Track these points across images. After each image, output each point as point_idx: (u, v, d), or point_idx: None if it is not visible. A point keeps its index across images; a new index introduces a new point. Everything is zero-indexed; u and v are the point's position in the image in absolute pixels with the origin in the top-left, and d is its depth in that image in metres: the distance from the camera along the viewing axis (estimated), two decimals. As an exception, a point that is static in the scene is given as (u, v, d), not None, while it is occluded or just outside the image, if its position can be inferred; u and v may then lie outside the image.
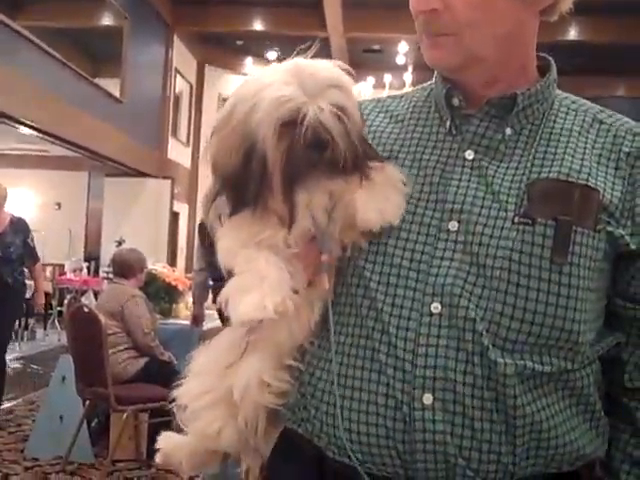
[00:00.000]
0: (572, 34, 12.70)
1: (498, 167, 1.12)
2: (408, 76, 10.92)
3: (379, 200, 1.09)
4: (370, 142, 1.20)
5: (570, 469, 1.10)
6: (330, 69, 1.09)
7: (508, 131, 1.14)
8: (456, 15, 1.08)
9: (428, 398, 1.03)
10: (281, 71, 1.08)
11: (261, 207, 1.08)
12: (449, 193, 1.11)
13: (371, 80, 11.00)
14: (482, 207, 1.09)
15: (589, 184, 1.08)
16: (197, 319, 5.81)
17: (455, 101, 1.16)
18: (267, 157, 1.05)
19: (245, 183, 1.07)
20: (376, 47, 14.32)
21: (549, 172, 1.09)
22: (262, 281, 1.05)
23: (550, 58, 1.22)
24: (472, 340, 1.04)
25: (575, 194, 1.07)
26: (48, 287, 11.30)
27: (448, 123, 1.17)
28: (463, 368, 1.04)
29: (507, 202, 1.08)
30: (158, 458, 1.27)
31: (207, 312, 5.96)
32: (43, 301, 6.82)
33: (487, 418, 1.03)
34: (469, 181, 1.12)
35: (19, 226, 5.96)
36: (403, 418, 1.04)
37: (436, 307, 1.06)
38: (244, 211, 1.09)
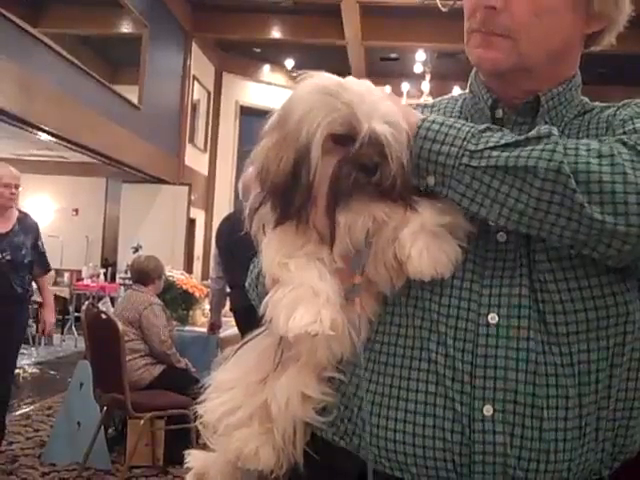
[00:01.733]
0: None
1: None
2: (425, 85, 10.92)
3: (436, 251, 1.04)
4: None
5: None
6: (378, 90, 1.07)
7: None
8: (515, 17, 1.08)
9: (488, 409, 1.03)
10: (340, 81, 1.05)
11: (304, 221, 1.05)
12: None
13: (388, 89, 11.00)
14: None
15: None
16: (214, 326, 5.82)
17: (499, 112, 1.16)
18: (313, 167, 1.01)
19: (292, 194, 1.03)
20: (393, 55, 14.32)
21: None
22: (317, 295, 1.02)
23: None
24: (534, 349, 1.04)
25: None
26: (65, 293, 11.38)
27: None
28: (524, 378, 1.03)
29: None
30: (190, 478, 1.22)
31: (224, 319, 5.97)
32: (54, 320, 5.54)
33: (546, 428, 1.03)
34: None
35: (28, 225, 4.99)
36: (461, 430, 1.04)
37: (493, 317, 1.05)
38: (287, 223, 1.06)
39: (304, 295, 1.02)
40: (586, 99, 1.22)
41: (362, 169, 1.01)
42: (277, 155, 1.05)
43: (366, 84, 1.06)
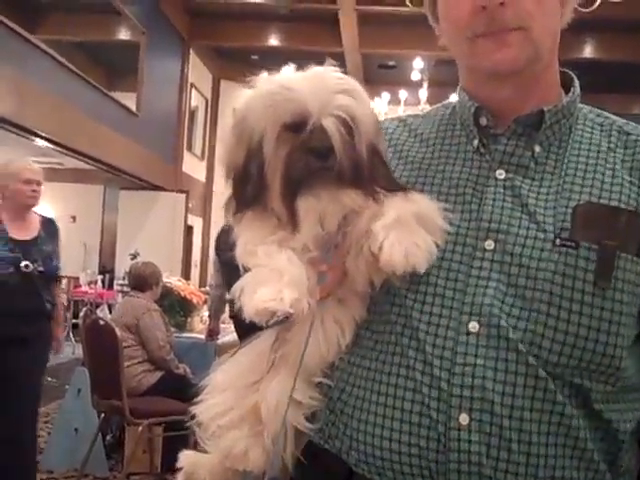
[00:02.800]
0: (588, 52, 12.70)
1: (531, 186, 1.11)
2: (423, 92, 10.93)
3: (408, 243, 1.03)
4: (391, 161, 1.20)
5: None
6: (343, 76, 1.07)
7: (537, 149, 1.13)
8: (522, 6, 1.06)
9: (465, 418, 1.02)
10: (294, 75, 1.07)
11: (262, 208, 1.07)
12: (484, 212, 1.10)
13: (386, 96, 11.01)
14: (519, 227, 1.07)
15: (638, 210, 1.07)
16: (212, 333, 5.81)
17: (483, 120, 1.15)
18: (266, 159, 1.04)
19: (245, 184, 1.07)
20: (391, 63, 14.36)
21: (590, 194, 1.08)
22: (281, 275, 1.02)
23: (571, 72, 1.21)
24: (516, 360, 1.02)
25: (621, 220, 1.06)
26: (63, 299, 11.34)
27: (475, 142, 1.16)
28: (502, 389, 1.02)
29: (545, 223, 1.07)
30: (180, 477, 1.23)
31: (222, 326, 5.96)
32: (64, 333, 4.86)
33: (526, 440, 1.02)
34: (503, 201, 1.10)
35: (53, 231, 4.34)
36: (437, 438, 1.03)
37: (474, 326, 1.04)
38: (245, 211, 1.09)
39: (268, 276, 1.02)
40: (581, 104, 1.21)
41: (313, 154, 1.02)
42: (232, 145, 1.10)
43: (320, 75, 1.06)
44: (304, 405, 1.14)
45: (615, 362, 1.04)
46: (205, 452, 1.21)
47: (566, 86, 1.19)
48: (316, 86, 1.03)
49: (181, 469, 1.23)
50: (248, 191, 1.07)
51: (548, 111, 1.12)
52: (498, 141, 1.14)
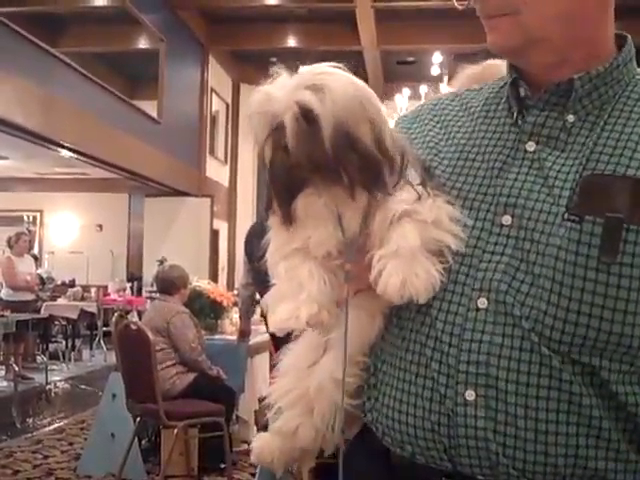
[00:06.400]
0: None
1: (557, 158, 1.07)
2: (444, 87, 10.89)
3: (407, 274, 1.02)
4: (437, 137, 1.19)
5: None
6: (323, 71, 1.05)
7: (570, 118, 1.08)
8: None
9: (471, 394, 1.01)
10: (280, 79, 1.06)
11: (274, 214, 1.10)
12: (505, 187, 1.08)
13: (407, 92, 10.98)
14: (536, 201, 1.04)
15: None
16: (244, 334, 5.81)
17: (521, 91, 1.12)
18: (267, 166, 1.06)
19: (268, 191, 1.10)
20: (410, 59, 14.32)
21: (607, 164, 1.03)
22: (300, 290, 1.06)
23: (627, 34, 1.15)
24: (521, 337, 1.00)
25: (627, 189, 1.00)
26: (93, 308, 11.45)
27: (515, 114, 1.14)
28: (506, 365, 1.00)
29: (560, 196, 1.03)
30: (252, 457, 1.27)
31: (253, 327, 5.97)
32: None
33: (533, 417, 1.00)
34: (527, 174, 1.07)
35: None
36: (447, 413, 1.03)
37: (482, 302, 1.03)
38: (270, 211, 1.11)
39: (288, 291, 1.07)
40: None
41: (280, 150, 1.03)
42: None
43: (298, 74, 1.05)
44: (346, 383, 1.14)
45: (625, 340, 0.99)
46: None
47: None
48: (285, 86, 1.04)
49: (253, 449, 1.27)
50: (269, 195, 1.10)
51: (579, 79, 1.08)
52: (530, 112, 1.11)
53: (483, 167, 1.12)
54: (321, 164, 1.02)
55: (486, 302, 1.03)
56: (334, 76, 1.05)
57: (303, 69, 1.07)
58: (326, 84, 1.03)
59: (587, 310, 0.98)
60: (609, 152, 1.04)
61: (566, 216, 1.01)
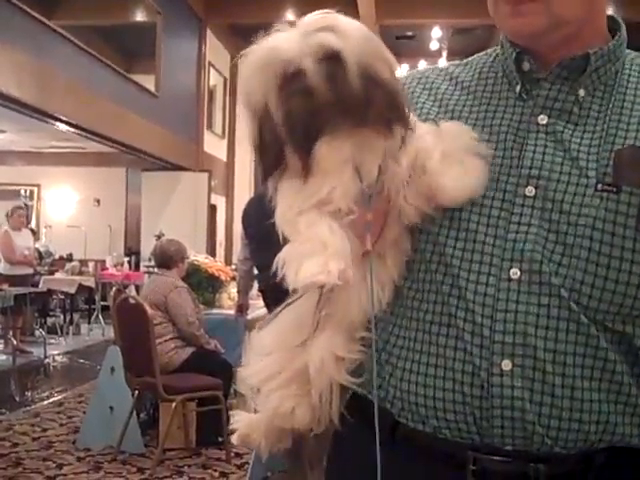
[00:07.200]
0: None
1: (574, 131, 1.09)
2: (442, 62, 10.85)
3: (457, 175, 1.05)
4: (431, 109, 1.18)
5: None
6: (324, 15, 1.03)
7: (582, 92, 1.10)
8: None
9: (507, 364, 1.01)
10: (279, 34, 1.04)
11: (288, 170, 1.04)
12: (525, 158, 1.08)
13: (405, 67, 10.93)
14: (561, 173, 1.06)
15: None
16: (242, 308, 5.84)
17: (526, 65, 1.13)
18: (275, 120, 1.01)
19: (265, 152, 1.05)
20: (409, 34, 14.23)
21: (635, 139, 1.06)
22: (325, 247, 1.00)
23: (618, 17, 1.18)
24: (558, 306, 1.02)
25: None
26: (91, 282, 11.46)
27: (518, 88, 1.14)
28: (544, 334, 1.01)
29: (587, 168, 1.05)
30: (234, 439, 1.24)
31: (251, 302, 5.98)
32: None
33: (569, 385, 1.01)
34: (545, 146, 1.08)
35: None
36: (481, 384, 1.03)
37: (515, 272, 1.03)
38: (271, 177, 1.06)
39: (313, 248, 1.00)
40: (627, 50, 1.17)
41: (301, 96, 0.98)
42: (251, 127, 1.07)
43: (301, 22, 1.03)
44: (347, 360, 1.14)
45: None
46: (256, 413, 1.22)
47: (613, 31, 1.16)
48: (294, 33, 1.01)
49: (237, 431, 1.23)
50: (270, 159, 1.05)
51: (594, 54, 1.09)
52: (541, 86, 1.11)
53: (493, 139, 1.12)
54: (350, 104, 0.98)
55: (518, 272, 1.04)
56: (339, 18, 1.03)
57: (301, 20, 1.04)
58: (336, 24, 1.01)
59: (625, 278, 1.01)
60: (624, 127, 1.08)
61: (600, 187, 1.03)
